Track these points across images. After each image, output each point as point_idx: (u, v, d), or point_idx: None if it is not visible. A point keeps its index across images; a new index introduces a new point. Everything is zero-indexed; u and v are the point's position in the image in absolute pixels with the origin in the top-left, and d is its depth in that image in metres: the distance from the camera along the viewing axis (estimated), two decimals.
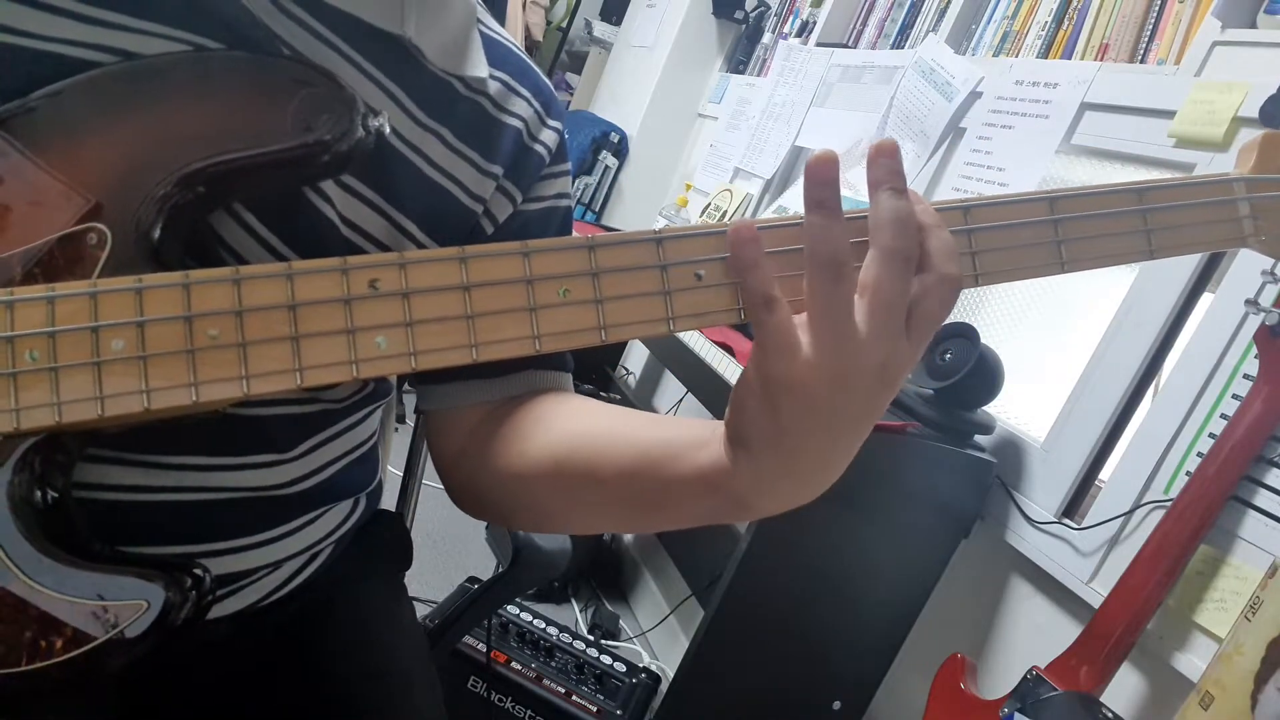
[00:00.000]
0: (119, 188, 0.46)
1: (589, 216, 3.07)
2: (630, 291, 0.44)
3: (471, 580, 1.69)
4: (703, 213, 2.52)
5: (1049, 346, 1.59)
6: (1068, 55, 1.60)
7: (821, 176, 0.41)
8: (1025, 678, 1.11)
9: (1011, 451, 1.43)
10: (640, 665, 1.65)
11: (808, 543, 1.35)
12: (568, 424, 0.59)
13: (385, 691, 0.69)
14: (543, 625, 1.63)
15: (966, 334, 1.38)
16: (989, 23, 1.82)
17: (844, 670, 1.45)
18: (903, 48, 2.08)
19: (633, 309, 0.44)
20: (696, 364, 1.59)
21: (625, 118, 3.15)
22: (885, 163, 0.42)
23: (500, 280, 0.44)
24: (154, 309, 0.42)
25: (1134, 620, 1.05)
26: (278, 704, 0.64)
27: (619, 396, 2.57)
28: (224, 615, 0.61)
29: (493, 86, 0.63)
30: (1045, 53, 1.65)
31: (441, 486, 0.68)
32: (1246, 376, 1.09)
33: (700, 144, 2.99)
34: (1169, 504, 1.09)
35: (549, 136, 0.67)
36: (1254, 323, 1.08)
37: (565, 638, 1.62)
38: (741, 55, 2.90)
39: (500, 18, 0.73)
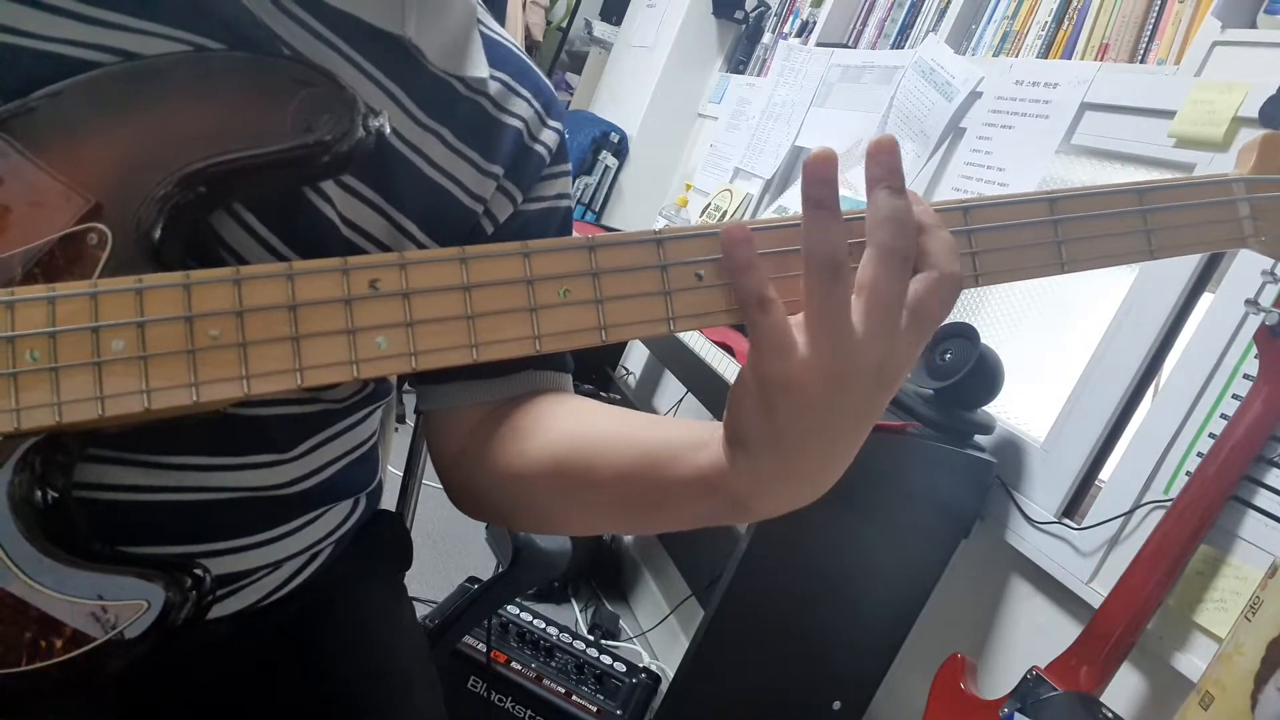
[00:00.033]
0: (119, 188, 0.46)
1: (589, 216, 3.07)
2: (630, 292, 0.44)
3: (471, 580, 1.69)
4: (703, 213, 2.52)
5: (1049, 346, 1.59)
6: (1068, 55, 1.61)
7: (820, 175, 0.41)
8: (1025, 678, 1.11)
9: (1011, 451, 1.43)
10: (640, 665, 1.65)
11: (808, 543, 1.35)
12: (567, 424, 0.59)
13: (385, 691, 0.69)
14: (543, 625, 1.63)
15: (966, 334, 1.38)
16: (989, 23, 1.82)
17: (844, 670, 1.45)
18: (903, 48, 2.08)
19: (633, 309, 0.44)
20: (696, 364, 1.59)
21: (625, 118, 3.15)
22: (884, 160, 0.42)
23: (501, 280, 0.43)
24: (154, 309, 0.42)
25: (1134, 620, 1.05)
26: (278, 704, 0.64)
27: (619, 396, 2.57)
28: (224, 615, 0.61)
29: (493, 87, 0.63)
30: (1045, 53, 1.65)
31: (441, 486, 0.68)
32: (1246, 376, 1.09)
33: (700, 144, 2.99)
34: (1169, 504, 1.09)
35: (549, 137, 0.67)
36: (1254, 323, 1.08)
37: (565, 638, 1.62)
38: (741, 55, 2.90)
39: (500, 18, 0.73)
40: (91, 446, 0.49)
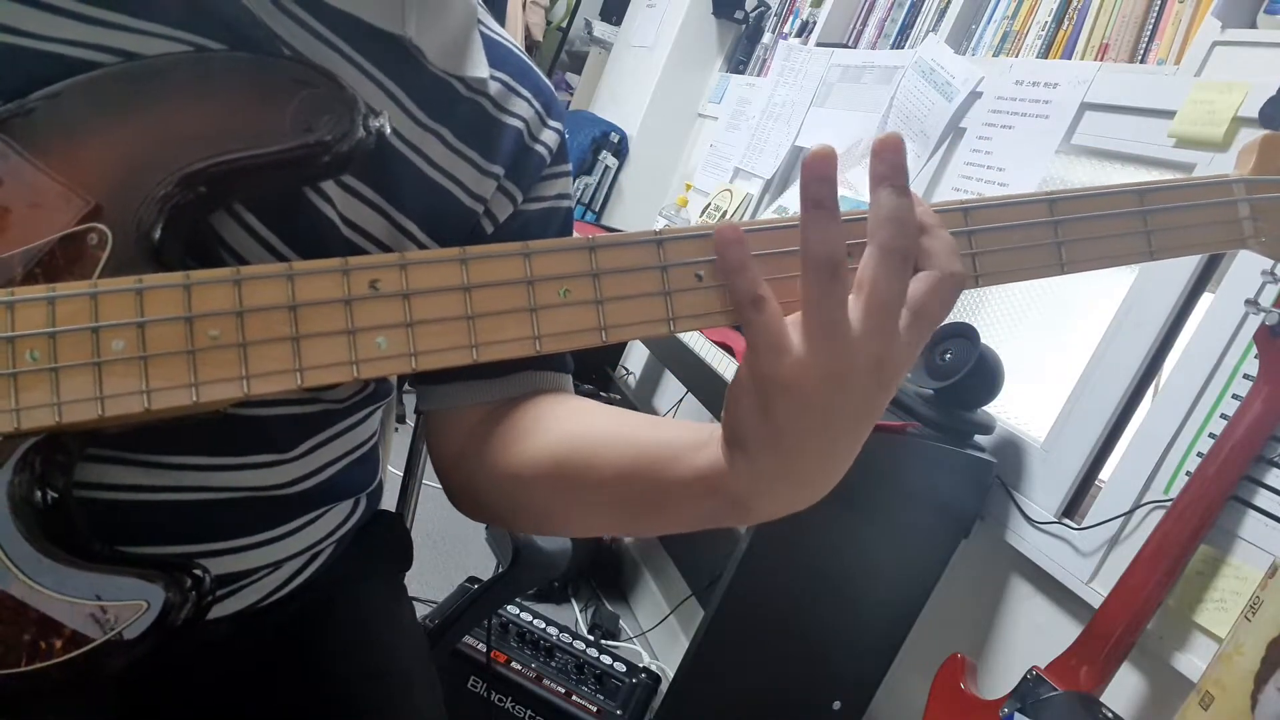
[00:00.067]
0: (119, 188, 0.46)
1: (589, 216, 3.07)
2: (631, 292, 0.44)
3: (471, 580, 1.69)
4: (703, 213, 2.52)
5: (1049, 346, 1.59)
6: (1068, 55, 1.61)
7: (819, 173, 0.41)
8: (1025, 678, 1.11)
9: (1011, 451, 1.43)
10: (640, 665, 1.65)
11: (808, 543, 1.35)
12: (567, 425, 0.59)
13: (385, 691, 0.69)
14: (543, 625, 1.63)
15: (966, 334, 1.38)
16: (989, 23, 1.82)
17: (844, 670, 1.45)
18: (903, 48, 2.08)
19: (633, 310, 0.44)
20: (696, 364, 1.59)
21: (625, 118, 3.15)
22: (889, 157, 0.42)
23: (501, 281, 0.43)
24: (154, 309, 0.42)
25: (1134, 620, 1.05)
26: (278, 704, 0.64)
27: (619, 396, 2.57)
28: (224, 615, 0.61)
29: (493, 87, 0.63)
30: (1045, 53, 1.65)
31: (441, 487, 0.68)
32: (1246, 376, 1.09)
33: (700, 144, 2.99)
34: (1169, 504, 1.09)
35: (550, 137, 0.67)
36: (1254, 323, 1.08)
37: (565, 638, 1.62)
38: (741, 55, 2.90)
39: (500, 18, 0.73)
40: (92, 446, 0.49)
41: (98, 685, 0.44)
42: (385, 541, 0.80)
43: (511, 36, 0.68)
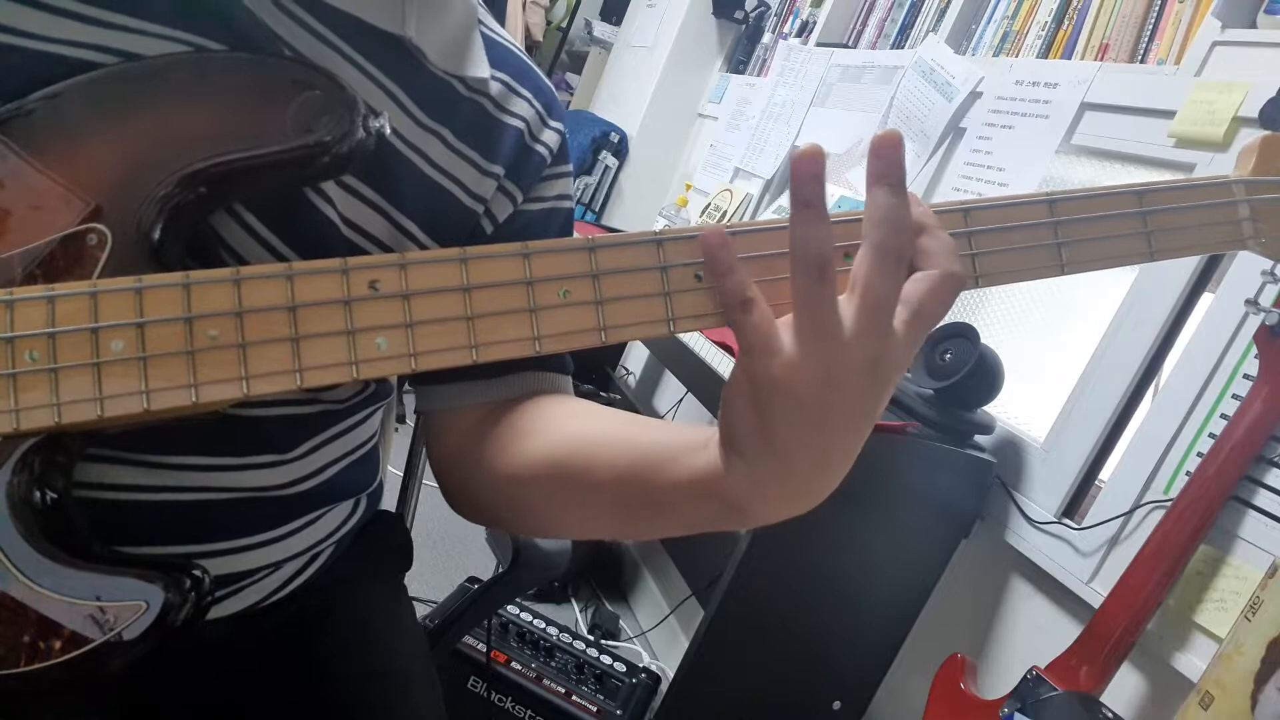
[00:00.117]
0: (119, 188, 0.46)
1: (589, 216, 3.07)
2: (631, 293, 0.44)
3: (471, 580, 1.69)
4: (703, 213, 2.52)
5: (1049, 346, 1.59)
6: (1068, 55, 1.61)
7: (807, 173, 0.40)
8: (1025, 678, 1.11)
9: (1011, 451, 1.43)
10: (640, 665, 1.65)
11: (808, 543, 1.35)
12: (566, 426, 0.59)
13: (385, 691, 0.69)
14: (543, 625, 1.63)
15: (966, 334, 1.38)
16: (989, 23, 1.82)
17: (844, 670, 1.45)
18: (903, 48, 2.08)
19: (633, 310, 0.44)
20: (696, 364, 1.59)
21: (625, 118, 3.15)
22: (887, 154, 0.41)
23: (501, 282, 0.43)
24: (154, 310, 0.42)
25: (1134, 620, 1.05)
26: (278, 704, 0.64)
27: (619, 396, 2.57)
28: (224, 616, 0.61)
29: (494, 87, 0.63)
30: (1045, 53, 1.65)
31: (439, 487, 0.68)
32: (1246, 376, 1.09)
33: (700, 144, 2.99)
34: (1169, 504, 1.09)
35: (550, 137, 0.67)
36: (1254, 323, 1.08)
37: (565, 638, 1.62)
38: (741, 55, 2.90)
39: (500, 18, 0.73)
40: (92, 446, 0.49)
41: (97, 685, 0.44)
42: (385, 542, 0.80)
43: (511, 36, 0.68)
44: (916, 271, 0.42)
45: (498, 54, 0.65)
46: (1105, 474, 1.31)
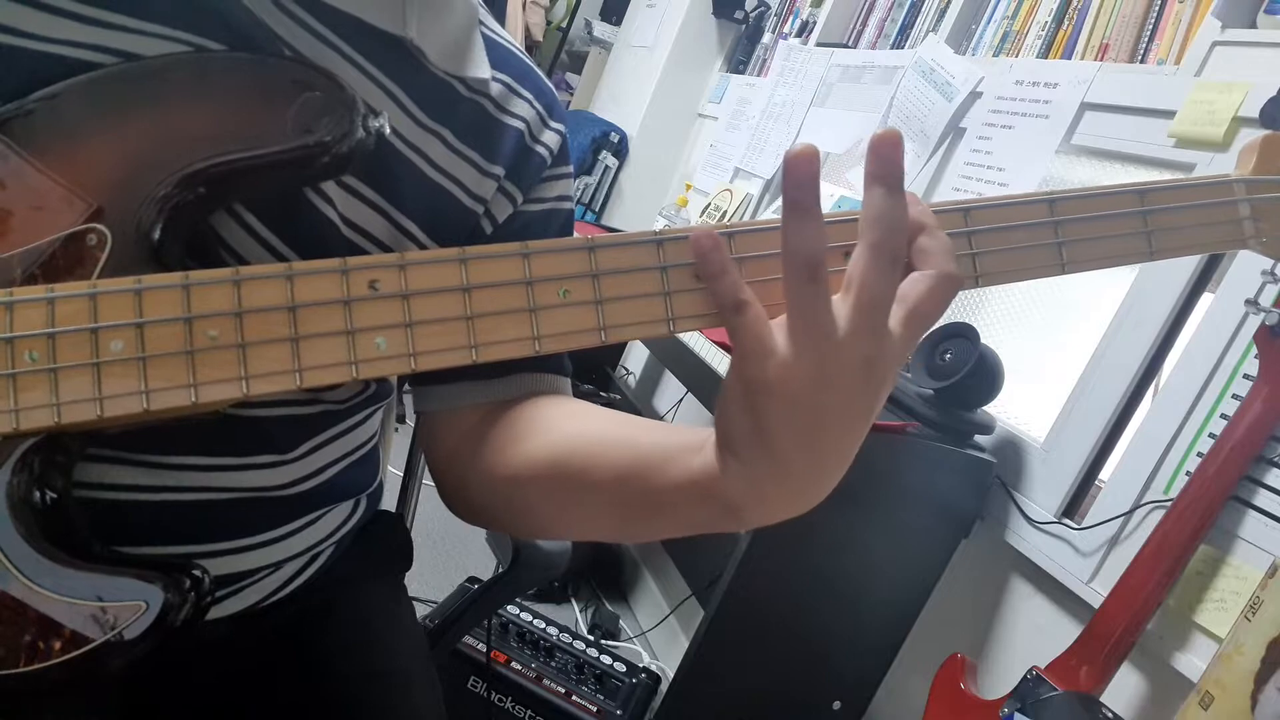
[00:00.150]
0: (119, 188, 0.46)
1: (589, 216, 3.07)
2: (630, 292, 0.44)
3: (471, 580, 1.69)
4: (703, 213, 2.52)
5: (1049, 346, 1.59)
6: (1068, 55, 1.61)
7: (800, 176, 0.40)
8: (1025, 678, 1.11)
9: (1011, 451, 1.43)
10: (640, 665, 1.65)
11: (808, 543, 1.35)
12: (565, 426, 0.59)
13: (385, 691, 0.69)
14: (543, 625, 1.63)
15: (966, 334, 1.38)
16: (989, 23, 1.82)
17: (844, 670, 1.45)
18: (903, 48, 2.08)
19: (633, 310, 0.44)
20: (696, 364, 1.59)
21: (625, 118, 3.15)
22: (886, 153, 0.41)
23: (500, 281, 0.43)
24: (153, 310, 0.42)
25: (1134, 620, 1.05)
26: (278, 704, 0.64)
27: (619, 397, 2.57)
28: (224, 616, 0.61)
29: (494, 88, 0.63)
30: (1045, 53, 1.65)
31: (436, 488, 0.68)
32: (1246, 376, 1.09)
33: (700, 144, 2.99)
34: (1169, 504, 1.09)
35: (551, 138, 0.67)
36: (1254, 323, 1.08)
37: (565, 638, 1.62)
38: (741, 55, 2.90)
39: (500, 18, 0.73)
40: (92, 446, 0.49)
41: (97, 686, 0.44)
42: (385, 542, 0.80)
43: (511, 36, 0.68)
44: (914, 271, 0.42)
45: (499, 55, 0.65)
46: (1105, 474, 1.31)
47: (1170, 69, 1.38)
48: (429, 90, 0.59)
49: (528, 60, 0.68)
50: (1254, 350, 1.07)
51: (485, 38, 0.64)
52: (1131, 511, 1.19)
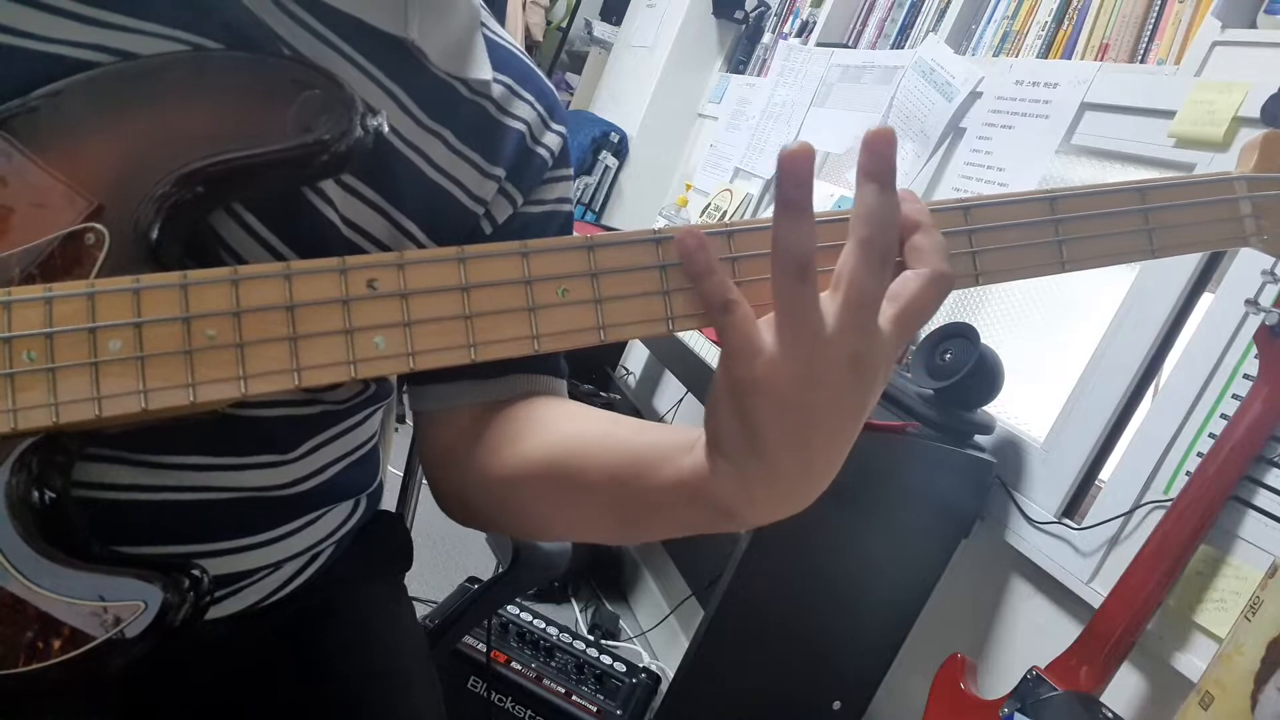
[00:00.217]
0: (117, 187, 0.46)
1: (589, 216, 3.07)
2: (629, 291, 0.44)
3: (471, 580, 1.69)
4: (703, 213, 2.52)
5: (1049, 346, 1.59)
6: (1068, 55, 1.60)
7: (797, 174, 0.39)
8: (1025, 678, 1.11)
9: (1011, 451, 1.43)
10: (640, 665, 1.65)
11: (808, 543, 1.35)
12: (561, 426, 0.59)
13: (385, 691, 0.69)
14: (543, 625, 1.63)
15: (966, 334, 1.38)
16: (989, 23, 1.82)
17: (844, 670, 1.45)
18: (903, 48, 2.08)
19: (632, 309, 0.44)
20: (696, 364, 1.59)
21: (625, 118, 3.15)
22: (878, 150, 0.41)
23: (499, 281, 0.43)
24: (151, 309, 0.42)
25: (1134, 620, 1.05)
26: (278, 704, 0.64)
27: (619, 397, 2.57)
28: (224, 616, 0.61)
29: (496, 89, 0.63)
30: (1045, 53, 1.65)
31: (430, 489, 0.68)
32: (1246, 376, 1.09)
33: (700, 144, 2.99)
34: (1169, 504, 1.09)
35: (552, 140, 0.67)
36: (1254, 323, 1.07)
37: (565, 638, 1.62)
38: (741, 55, 2.90)
39: (500, 18, 0.73)
40: (91, 446, 0.49)
41: (97, 686, 0.44)
42: (385, 542, 0.80)
43: (511, 36, 0.68)
44: (907, 270, 0.42)
45: (500, 56, 0.65)
46: (1105, 474, 1.31)
47: (1170, 69, 1.38)
48: (430, 91, 0.59)
49: (529, 62, 0.68)
50: (1254, 350, 1.07)
51: (487, 39, 0.64)
52: (1131, 511, 1.19)
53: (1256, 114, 1.15)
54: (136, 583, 0.44)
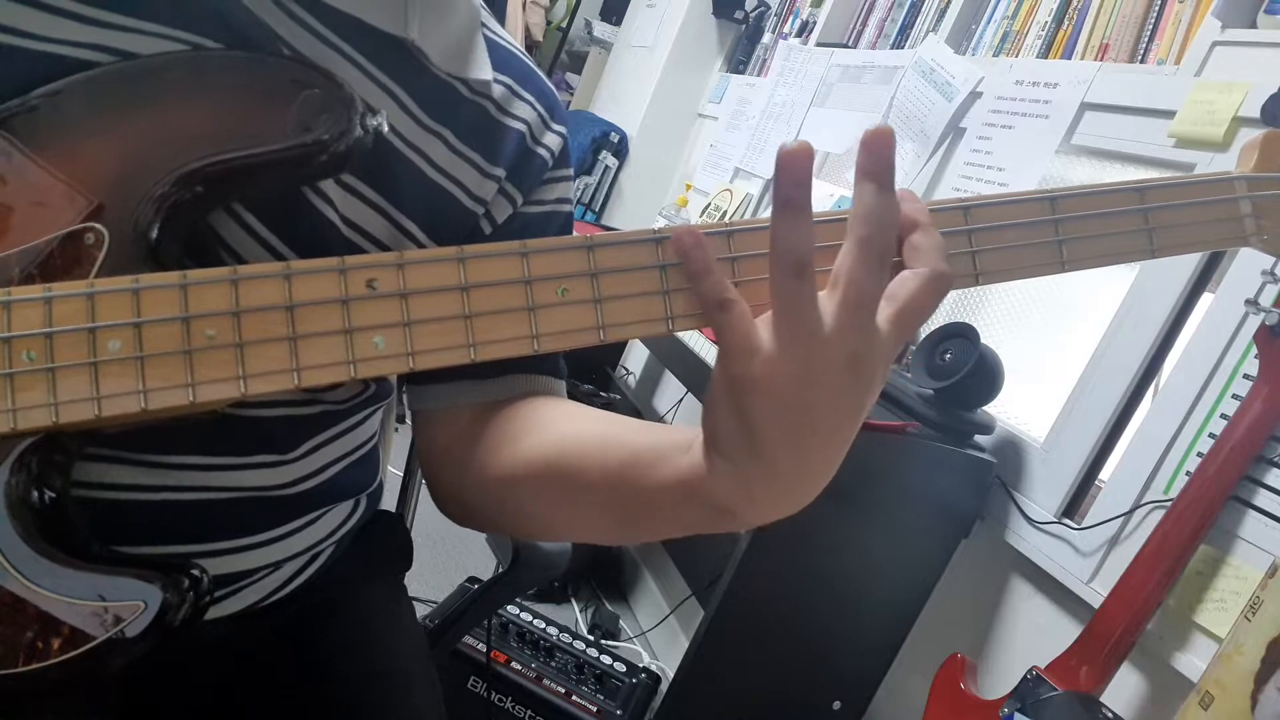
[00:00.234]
0: (117, 187, 0.46)
1: (589, 216, 3.07)
2: (629, 291, 0.44)
3: (471, 580, 1.69)
4: (703, 213, 2.52)
5: (1049, 346, 1.59)
6: (1068, 55, 1.60)
7: (796, 173, 0.39)
8: (1025, 678, 1.11)
9: (1011, 451, 1.43)
10: (640, 665, 1.65)
11: (808, 543, 1.35)
12: (560, 426, 0.59)
13: (385, 691, 0.69)
14: (543, 625, 1.63)
15: (966, 334, 1.38)
16: (989, 23, 1.82)
17: (844, 670, 1.45)
18: (903, 48, 2.08)
19: (632, 309, 0.44)
20: (696, 364, 1.59)
21: (625, 118, 3.15)
22: (877, 149, 0.41)
23: (498, 280, 0.43)
24: (151, 309, 0.42)
25: (1134, 620, 1.05)
26: (278, 704, 0.64)
27: (619, 396, 2.57)
28: (224, 616, 0.61)
29: (496, 90, 0.63)
30: (1045, 53, 1.65)
31: (428, 490, 0.68)
32: (1246, 376, 1.09)
33: (700, 144, 2.99)
34: (1169, 504, 1.09)
35: (552, 140, 0.67)
36: (1254, 323, 1.07)
37: (565, 638, 1.62)
38: (741, 55, 2.90)
39: (500, 18, 0.73)
40: (91, 446, 0.49)
41: (97, 685, 0.44)
42: (385, 542, 0.80)
43: (511, 36, 0.68)
44: (905, 269, 0.42)
45: (500, 56, 0.65)
46: (1105, 474, 1.31)
47: (1170, 69, 1.38)
48: (430, 91, 0.59)
49: (529, 62, 0.68)
50: (1254, 350, 1.07)
51: (487, 39, 0.64)
52: (1131, 511, 1.19)
53: (1256, 114, 1.15)
54: (136, 582, 0.44)
